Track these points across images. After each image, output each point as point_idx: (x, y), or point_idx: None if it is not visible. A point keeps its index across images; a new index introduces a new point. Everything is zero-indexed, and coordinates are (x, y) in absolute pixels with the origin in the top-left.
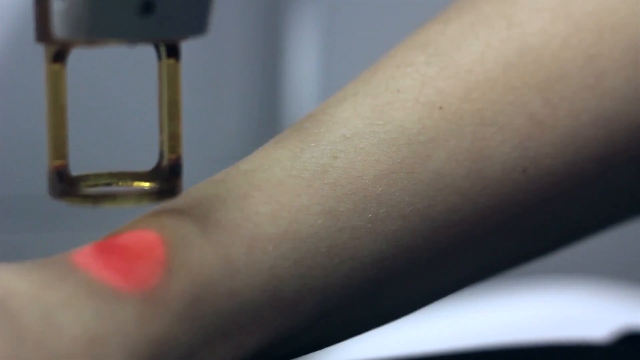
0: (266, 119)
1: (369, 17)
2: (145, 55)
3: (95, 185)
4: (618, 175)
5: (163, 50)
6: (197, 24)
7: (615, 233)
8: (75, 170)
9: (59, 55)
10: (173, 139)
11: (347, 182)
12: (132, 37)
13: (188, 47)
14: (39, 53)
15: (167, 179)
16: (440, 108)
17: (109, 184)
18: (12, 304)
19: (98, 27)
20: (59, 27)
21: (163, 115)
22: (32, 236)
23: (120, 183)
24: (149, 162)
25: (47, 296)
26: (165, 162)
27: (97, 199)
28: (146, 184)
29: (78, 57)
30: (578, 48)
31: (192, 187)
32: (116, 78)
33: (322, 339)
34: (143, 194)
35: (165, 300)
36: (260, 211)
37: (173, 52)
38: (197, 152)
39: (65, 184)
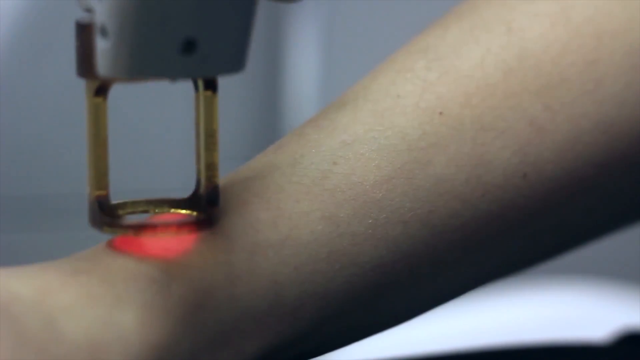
0: (266, 121)
1: (370, 18)
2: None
3: (133, 213)
4: (618, 180)
5: (200, 83)
6: (236, 61)
7: (615, 233)
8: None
9: (100, 90)
10: (210, 169)
11: (347, 187)
12: (173, 75)
13: None
14: (39, 53)
15: (206, 208)
16: (441, 113)
17: (145, 211)
18: (14, 310)
19: (140, 67)
20: (102, 65)
21: (200, 145)
22: (32, 236)
23: (157, 210)
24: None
25: (49, 302)
26: (202, 190)
27: (138, 229)
28: (183, 211)
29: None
30: (578, 53)
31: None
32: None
33: (323, 345)
34: (182, 225)
35: (166, 306)
36: (260, 217)
37: (210, 84)
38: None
39: (105, 215)
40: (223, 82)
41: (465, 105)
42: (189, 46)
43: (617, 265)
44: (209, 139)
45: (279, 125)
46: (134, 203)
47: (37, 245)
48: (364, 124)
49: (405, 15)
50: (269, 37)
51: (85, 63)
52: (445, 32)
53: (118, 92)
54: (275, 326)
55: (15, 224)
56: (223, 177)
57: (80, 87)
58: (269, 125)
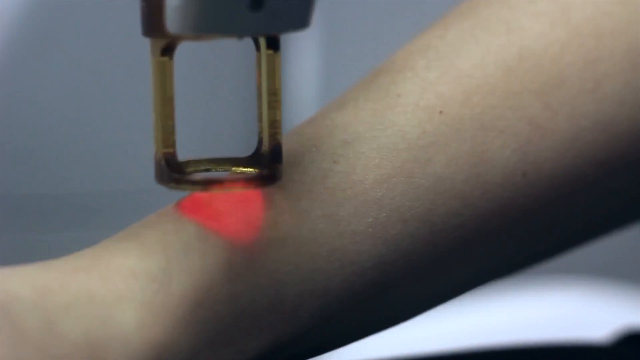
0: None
1: (370, 18)
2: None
3: (196, 171)
4: (618, 179)
5: (263, 41)
6: (302, 18)
7: (616, 233)
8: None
9: (167, 49)
10: (273, 126)
11: (348, 186)
12: (241, 32)
13: (188, 48)
14: (39, 53)
15: (269, 165)
16: (441, 112)
17: (208, 170)
18: (14, 309)
19: (209, 23)
20: (172, 22)
21: (262, 103)
22: (32, 236)
23: (220, 169)
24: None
25: (49, 301)
26: (264, 148)
27: (206, 185)
28: (246, 170)
29: None
30: (577, 52)
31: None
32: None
33: (324, 343)
34: (249, 180)
35: (166, 305)
36: (261, 215)
37: (272, 43)
38: (197, 152)
39: (173, 171)
40: (223, 82)
41: (465, 104)
42: (257, 3)
43: (617, 265)
44: (271, 97)
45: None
46: (197, 162)
47: (37, 245)
48: (364, 123)
49: (406, 15)
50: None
51: (152, 21)
52: (446, 32)
53: (118, 93)
54: (276, 324)
55: (15, 224)
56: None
57: (80, 88)
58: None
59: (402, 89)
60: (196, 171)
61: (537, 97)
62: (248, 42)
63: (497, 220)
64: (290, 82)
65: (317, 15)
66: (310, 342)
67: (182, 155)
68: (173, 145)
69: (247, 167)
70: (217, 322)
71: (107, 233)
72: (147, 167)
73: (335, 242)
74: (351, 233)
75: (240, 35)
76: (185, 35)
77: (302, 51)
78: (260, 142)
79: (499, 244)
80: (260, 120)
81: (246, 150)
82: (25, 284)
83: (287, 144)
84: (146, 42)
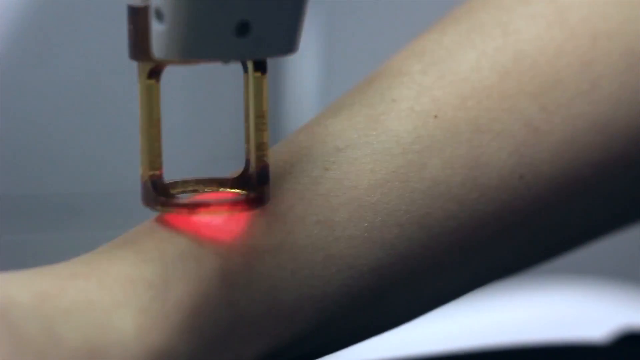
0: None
1: (369, 18)
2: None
3: (183, 192)
4: (616, 180)
5: (250, 64)
6: (288, 43)
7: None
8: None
9: (153, 72)
10: (260, 148)
11: (341, 192)
12: (227, 57)
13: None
14: (39, 53)
15: (256, 187)
16: (435, 117)
17: (195, 191)
18: (13, 315)
19: (195, 48)
20: (158, 48)
21: (250, 125)
22: (32, 236)
23: (207, 189)
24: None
25: (48, 306)
26: (252, 170)
27: (192, 208)
28: (233, 191)
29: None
30: (573, 54)
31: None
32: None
33: (322, 347)
34: (236, 203)
35: (163, 311)
36: (256, 222)
37: (260, 66)
38: (197, 153)
39: (159, 194)
40: (222, 83)
41: (460, 108)
42: (243, 28)
43: (617, 265)
44: (258, 119)
45: (279, 125)
46: (184, 182)
47: (37, 245)
48: (357, 130)
49: (405, 17)
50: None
51: (138, 46)
52: (442, 36)
53: (118, 93)
54: (273, 330)
55: (15, 224)
56: None
57: (80, 88)
58: (269, 126)
59: (398, 94)
60: (184, 192)
61: (533, 99)
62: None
63: (494, 223)
64: (291, 82)
65: (317, 17)
66: (308, 346)
67: (174, 172)
68: (159, 167)
69: (234, 189)
70: (215, 328)
71: (106, 233)
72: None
73: (331, 247)
74: (347, 238)
75: (226, 60)
76: (172, 60)
77: (302, 52)
78: (247, 163)
79: (496, 246)
80: (247, 142)
81: (239, 166)
82: (24, 289)
83: (280, 152)
84: None
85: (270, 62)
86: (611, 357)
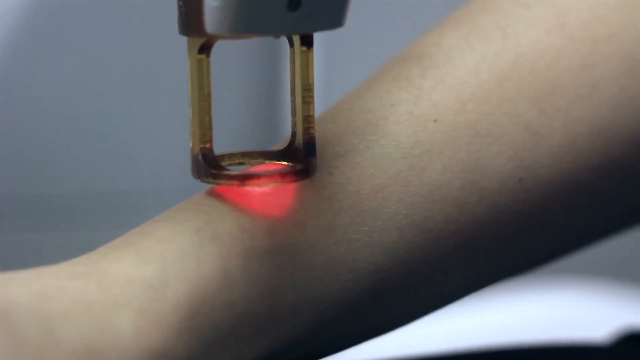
0: (266, 122)
1: (369, 19)
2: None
3: (230, 165)
4: (615, 184)
5: (297, 39)
6: (337, 18)
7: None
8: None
9: (204, 47)
10: (307, 121)
11: (344, 197)
12: (279, 31)
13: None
14: (39, 53)
15: (304, 159)
16: (435, 121)
17: (241, 163)
18: (12, 315)
19: (248, 23)
20: (211, 23)
21: (296, 99)
22: (32, 236)
23: (253, 162)
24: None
25: (46, 307)
26: (298, 142)
27: (242, 179)
28: (279, 163)
29: None
30: (573, 58)
31: (188, 200)
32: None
33: (320, 350)
34: (285, 174)
35: (162, 312)
36: (257, 224)
37: (306, 40)
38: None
39: (210, 167)
40: (223, 83)
41: (459, 112)
42: (294, 3)
43: (617, 265)
44: (305, 92)
45: (279, 125)
46: (231, 155)
47: (37, 245)
48: (357, 135)
49: (405, 17)
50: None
51: (190, 21)
52: (441, 40)
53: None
54: (272, 332)
55: (15, 224)
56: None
57: (80, 88)
58: (269, 126)
59: (396, 99)
60: (230, 164)
61: (532, 103)
62: (246, 45)
63: (494, 227)
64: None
65: None
66: (306, 349)
67: (174, 172)
68: (210, 140)
69: (279, 161)
70: (213, 329)
71: (107, 233)
72: (147, 168)
73: (331, 251)
74: (347, 242)
75: (277, 35)
76: (224, 35)
77: None
78: (293, 136)
79: (496, 250)
80: (293, 115)
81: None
82: (23, 289)
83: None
84: (146, 43)
85: (270, 62)
86: (611, 357)
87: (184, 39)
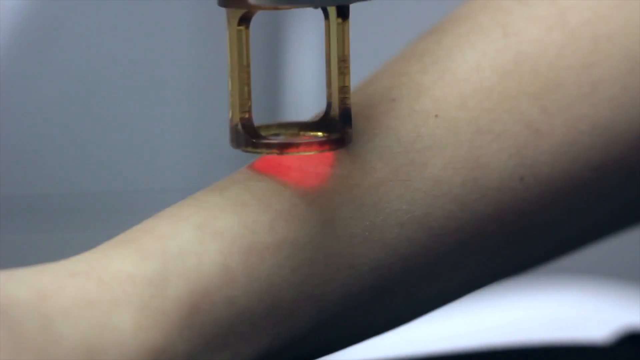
0: (266, 120)
1: (369, 18)
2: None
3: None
4: (615, 183)
5: (332, 10)
6: None
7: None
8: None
9: (243, 19)
10: (343, 91)
11: (345, 190)
12: (318, 3)
13: (187, 48)
14: (39, 53)
15: (340, 128)
16: (436, 116)
17: (277, 134)
18: (12, 313)
19: None
20: None
21: (332, 70)
22: (32, 236)
23: (288, 133)
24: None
25: (47, 305)
26: (333, 112)
27: (281, 148)
28: (316, 134)
29: None
30: (574, 57)
31: (189, 196)
32: None
33: (321, 347)
34: (323, 143)
35: (163, 309)
36: (257, 219)
37: (342, 12)
38: (197, 152)
39: (250, 136)
40: (223, 82)
41: (461, 108)
42: None
43: (617, 265)
44: (341, 63)
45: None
46: (267, 127)
47: (37, 245)
48: (358, 128)
49: (405, 17)
50: (269, 37)
51: None
52: (442, 37)
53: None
54: (272, 329)
55: (15, 224)
56: (220, 180)
57: (80, 88)
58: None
59: (397, 94)
60: (266, 135)
61: (533, 101)
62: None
63: (495, 224)
64: (291, 82)
65: (318, 15)
66: (307, 346)
67: (173, 172)
68: (249, 110)
69: (314, 132)
70: (214, 326)
71: (107, 233)
72: (147, 168)
73: (332, 246)
74: (348, 237)
75: (316, 5)
76: (265, 6)
77: (302, 51)
78: (328, 106)
79: (497, 247)
80: (328, 86)
81: (240, 166)
82: (23, 287)
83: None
84: (146, 43)
85: (270, 62)
86: (611, 357)
87: (184, 39)
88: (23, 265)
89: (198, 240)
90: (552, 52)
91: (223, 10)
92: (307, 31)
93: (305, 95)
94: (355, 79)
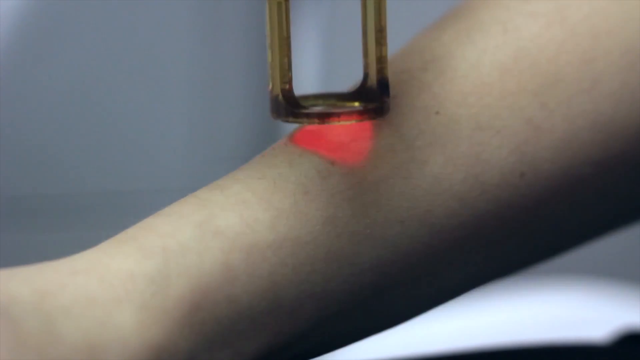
0: (266, 121)
1: None
2: None
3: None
4: (616, 179)
5: None
6: None
7: (614, 233)
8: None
9: None
10: (380, 62)
11: (346, 187)
12: None
13: (187, 48)
14: (40, 53)
15: (378, 98)
16: (437, 113)
17: (315, 105)
18: (14, 311)
19: None
20: None
21: (369, 40)
22: (32, 236)
23: (326, 103)
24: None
25: (48, 303)
26: (371, 82)
27: (322, 117)
28: (353, 104)
29: None
30: (574, 52)
31: (190, 194)
32: None
33: (322, 345)
34: (362, 112)
35: (164, 307)
36: (258, 217)
37: None
38: (197, 152)
39: (291, 106)
40: (223, 81)
41: (461, 105)
42: None
43: (617, 265)
44: (378, 33)
45: (279, 125)
46: (305, 98)
47: (37, 245)
48: (359, 124)
49: (405, 16)
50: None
51: None
52: (442, 34)
53: (118, 93)
54: (274, 327)
55: (15, 224)
56: (222, 178)
57: (80, 88)
58: (269, 126)
59: (398, 91)
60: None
61: (533, 97)
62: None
63: (496, 221)
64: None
65: (318, 15)
66: (309, 344)
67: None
68: (290, 81)
69: (352, 102)
70: (215, 324)
71: (107, 233)
72: (147, 168)
73: (333, 244)
74: (349, 234)
75: None
76: None
77: (302, 51)
78: (365, 77)
79: (498, 244)
80: (365, 56)
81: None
82: (24, 286)
83: (285, 147)
84: (146, 43)
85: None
86: (611, 357)
87: (184, 39)
88: (23, 265)
89: (199, 239)
90: (551, 48)
91: (223, 10)
92: (307, 31)
93: (307, 87)
94: (356, 77)
